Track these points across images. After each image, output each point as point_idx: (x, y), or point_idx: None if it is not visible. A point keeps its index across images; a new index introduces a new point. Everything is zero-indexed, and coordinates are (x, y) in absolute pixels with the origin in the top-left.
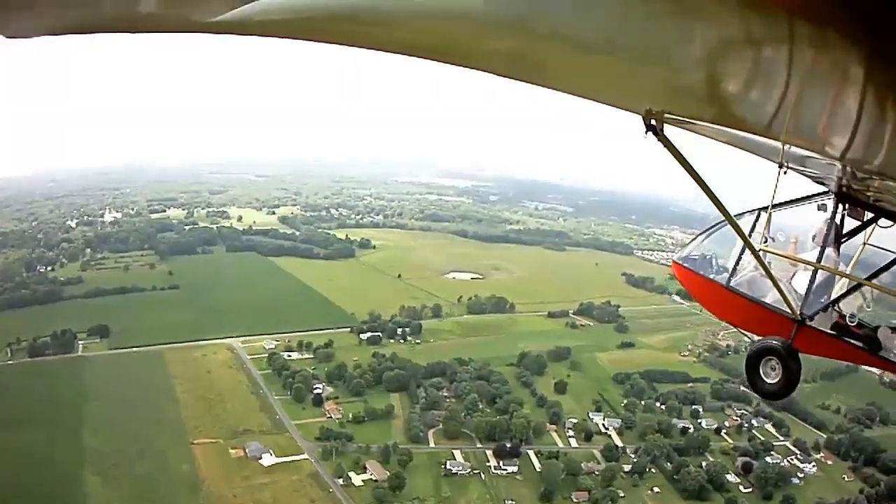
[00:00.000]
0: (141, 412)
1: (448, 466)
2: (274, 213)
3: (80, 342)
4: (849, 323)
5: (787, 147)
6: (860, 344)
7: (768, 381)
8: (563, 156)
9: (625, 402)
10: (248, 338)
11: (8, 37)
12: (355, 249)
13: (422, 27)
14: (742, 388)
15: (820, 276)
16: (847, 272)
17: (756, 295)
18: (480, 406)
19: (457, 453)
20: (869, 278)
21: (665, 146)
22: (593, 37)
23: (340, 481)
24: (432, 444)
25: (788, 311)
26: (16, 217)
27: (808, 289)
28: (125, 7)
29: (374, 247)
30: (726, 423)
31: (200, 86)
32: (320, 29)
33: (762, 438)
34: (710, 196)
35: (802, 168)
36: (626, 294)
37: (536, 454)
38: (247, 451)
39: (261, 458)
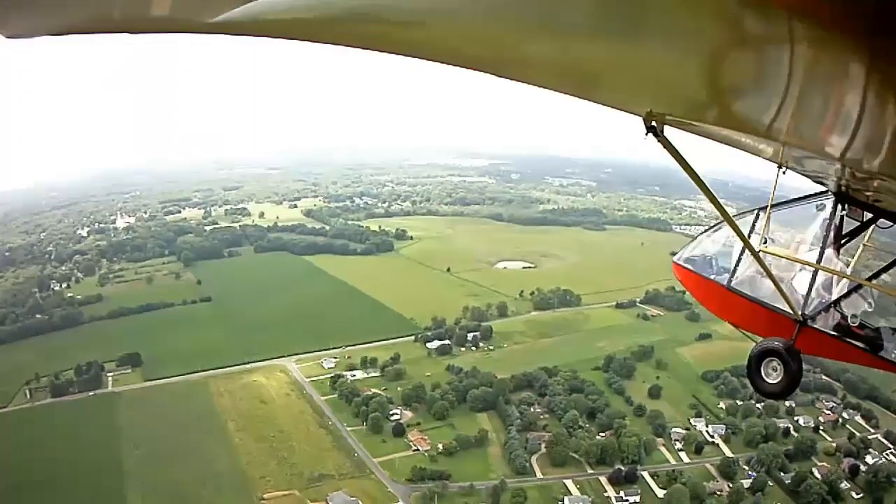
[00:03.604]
0: (192, 462)
1: (566, 503)
2: (296, 206)
3: (108, 375)
4: (850, 324)
5: (786, 148)
6: (862, 345)
7: (769, 381)
8: (565, 128)
9: (721, 403)
10: (301, 356)
11: (8, 37)
12: (393, 242)
13: (447, 27)
14: (824, 377)
15: (821, 276)
16: (847, 273)
17: (757, 295)
18: (580, 423)
19: (570, 484)
20: (870, 279)
21: (665, 147)
22: (596, 37)
23: None
24: (540, 475)
25: (790, 311)
26: (22, 230)
27: (809, 289)
28: (125, 7)
29: (412, 238)
30: (821, 419)
31: (193, 82)
32: (332, 30)
33: (858, 434)
34: (709, 196)
35: (801, 168)
36: None
37: (653, 476)
38: None
39: None
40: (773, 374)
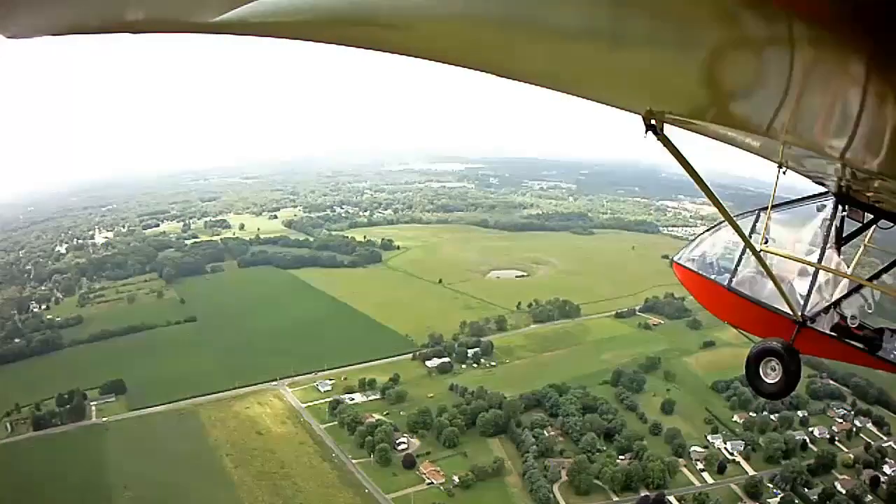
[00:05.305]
0: None
1: None
2: (276, 216)
3: (91, 404)
4: (849, 324)
5: (786, 147)
6: (861, 345)
7: (768, 381)
8: (538, 129)
9: (735, 416)
10: (295, 379)
11: (8, 37)
12: (380, 253)
13: (447, 27)
14: (832, 382)
15: (821, 277)
16: (848, 273)
17: (757, 296)
18: (599, 445)
19: None
20: (870, 280)
21: (665, 146)
22: (596, 35)
23: None
24: None
25: (789, 312)
26: (0, 248)
27: (809, 290)
28: (124, 8)
29: (398, 247)
30: (834, 429)
31: (161, 91)
32: (327, 30)
33: (873, 443)
34: (709, 196)
35: (802, 168)
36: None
37: (680, 501)
38: None
39: None
40: (771, 375)
